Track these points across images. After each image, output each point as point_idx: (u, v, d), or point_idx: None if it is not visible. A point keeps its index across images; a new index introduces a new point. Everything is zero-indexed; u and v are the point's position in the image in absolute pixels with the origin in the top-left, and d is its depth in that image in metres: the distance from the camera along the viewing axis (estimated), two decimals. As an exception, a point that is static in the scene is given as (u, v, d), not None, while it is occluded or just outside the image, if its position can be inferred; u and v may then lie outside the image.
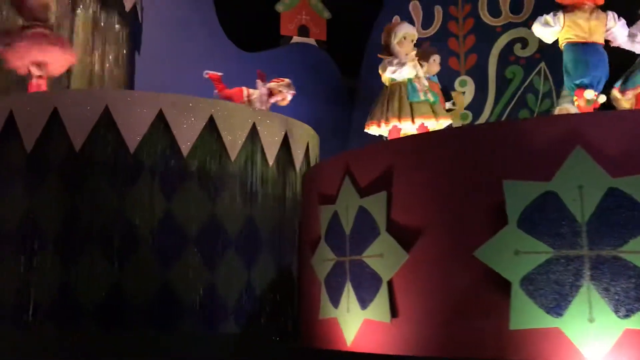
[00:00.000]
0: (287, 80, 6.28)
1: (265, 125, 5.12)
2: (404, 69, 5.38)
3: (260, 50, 7.80)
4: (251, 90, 6.14)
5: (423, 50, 6.28)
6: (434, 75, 6.27)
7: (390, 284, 2.82)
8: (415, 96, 5.39)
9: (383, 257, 2.87)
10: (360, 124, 7.88)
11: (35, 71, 5.16)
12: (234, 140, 4.87)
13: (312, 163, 5.66)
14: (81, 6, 6.30)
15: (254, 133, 5.00)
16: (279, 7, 8.27)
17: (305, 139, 5.58)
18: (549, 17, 4.58)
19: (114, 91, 4.70)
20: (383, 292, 2.85)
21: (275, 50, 8.05)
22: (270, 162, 5.13)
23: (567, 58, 4.55)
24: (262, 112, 5.21)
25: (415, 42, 5.58)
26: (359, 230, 3.03)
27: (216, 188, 4.76)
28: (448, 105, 6.77)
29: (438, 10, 7.86)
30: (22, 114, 4.59)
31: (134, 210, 4.47)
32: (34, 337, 4.38)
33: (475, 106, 7.43)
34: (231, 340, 4.59)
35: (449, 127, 5.51)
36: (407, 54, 5.42)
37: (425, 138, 3.07)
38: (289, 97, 6.10)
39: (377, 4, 8.15)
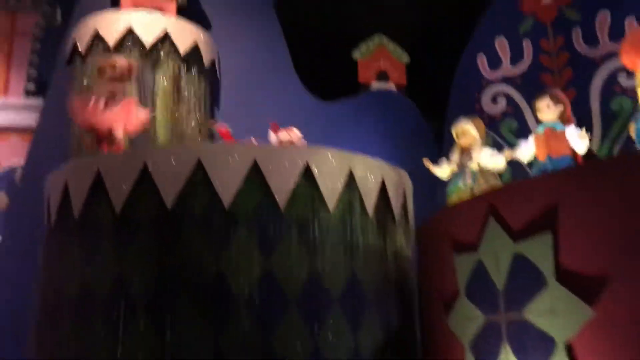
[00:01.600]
0: (297, 134, 5.92)
1: (362, 172, 4.79)
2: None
3: (338, 98, 7.60)
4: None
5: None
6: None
7: (569, 348, 2.33)
8: None
9: (555, 313, 2.39)
10: (450, 167, 7.50)
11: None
12: (331, 189, 4.54)
13: (409, 212, 5.27)
14: (163, 63, 6.29)
15: (351, 180, 4.68)
16: (357, 55, 8.11)
17: (401, 186, 5.21)
18: None
19: (205, 144, 4.49)
20: (559, 357, 2.35)
21: (354, 98, 7.83)
22: (370, 211, 4.77)
23: None
24: (360, 158, 4.88)
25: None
26: (516, 281, 2.57)
27: (316, 242, 4.41)
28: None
29: (527, 45, 7.49)
30: (111, 172, 4.44)
31: (230, 270, 4.17)
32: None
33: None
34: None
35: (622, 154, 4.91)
36: None
37: (596, 168, 2.61)
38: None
39: (457, 44, 7.87)
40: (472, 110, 7.59)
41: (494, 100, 7.54)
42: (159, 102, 6.17)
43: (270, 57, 7.53)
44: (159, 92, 6.24)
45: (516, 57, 7.53)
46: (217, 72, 7.05)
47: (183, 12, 6.84)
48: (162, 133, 6.09)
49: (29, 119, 8.41)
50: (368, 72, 8.02)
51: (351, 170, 4.69)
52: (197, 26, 6.73)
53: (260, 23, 7.65)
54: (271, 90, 7.31)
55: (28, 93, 8.53)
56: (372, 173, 4.89)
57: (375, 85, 7.99)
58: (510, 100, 7.44)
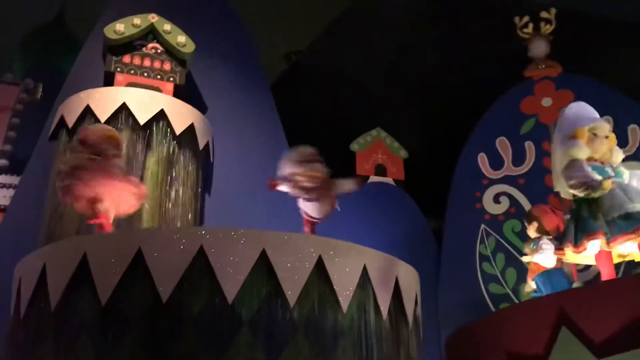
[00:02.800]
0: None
1: (377, 268, 4.43)
2: None
3: (336, 192, 7.34)
4: None
5: None
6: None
7: None
8: None
9: None
10: (450, 267, 7.23)
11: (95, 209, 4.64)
12: (344, 286, 4.15)
13: (419, 316, 4.88)
14: (155, 144, 5.99)
15: (365, 277, 4.31)
16: (354, 147, 8.00)
17: (413, 285, 4.86)
18: None
19: (210, 229, 4.07)
20: None
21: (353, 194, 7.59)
22: (384, 313, 4.38)
23: None
24: (373, 252, 4.54)
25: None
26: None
27: (326, 347, 3.98)
28: None
29: (530, 146, 7.49)
30: (99, 257, 3.98)
31: (232, 378, 3.67)
32: None
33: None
34: None
35: None
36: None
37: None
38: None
39: (457, 142, 7.84)
40: (473, 209, 7.45)
41: (497, 200, 7.42)
42: (148, 183, 5.79)
43: (266, 145, 7.29)
44: (149, 172, 5.89)
45: (518, 158, 7.51)
46: (211, 155, 6.77)
47: (179, 92, 6.67)
48: (148, 215, 5.68)
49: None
50: (366, 165, 7.89)
51: (365, 266, 4.35)
52: (193, 108, 6.53)
53: (259, 111, 7.47)
54: (267, 178, 7.02)
55: (0, 170, 8.08)
56: (387, 270, 4.56)
57: (373, 178, 7.83)
58: (513, 200, 7.33)
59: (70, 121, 6.08)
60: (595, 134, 4.55)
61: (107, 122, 5.97)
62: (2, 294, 5.69)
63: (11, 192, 7.88)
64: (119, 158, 4.80)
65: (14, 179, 8.00)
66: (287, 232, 4.21)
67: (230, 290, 3.80)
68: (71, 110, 6.15)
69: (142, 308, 3.78)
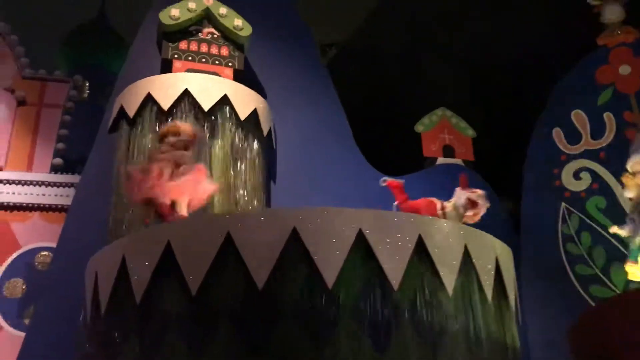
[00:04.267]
0: (481, 191, 5.34)
1: (478, 249, 4.11)
2: None
3: (403, 174, 7.03)
4: (445, 203, 5.19)
5: None
6: None
7: None
8: None
9: None
10: (530, 250, 6.83)
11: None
12: (448, 270, 3.84)
13: (517, 298, 4.54)
14: (220, 129, 5.77)
15: (467, 259, 3.99)
16: (419, 127, 7.65)
17: (511, 266, 4.52)
18: None
19: (302, 209, 3.80)
20: None
21: (420, 172, 7.28)
22: (489, 296, 4.06)
23: None
24: (473, 231, 4.21)
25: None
26: None
27: (434, 334, 3.68)
28: None
29: (609, 118, 7.05)
30: (184, 244, 3.75)
31: (338, 369, 3.39)
32: None
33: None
34: None
35: None
36: None
37: None
38: (483, 212, 5.12)
39: (527, 120, 7.44)
40: (551, 187, 7.04)
41: (577, 176, 7.00)
42: (214, 170, 5.58)
43: (329, 129, 7.04)
44: (215, 159, 5.66)
45: (598, 131, 7.07)
46: (274, 141, 6.53)
47: (239, 77, 6.44)
48: (217, 203, 5.45)
49: (54, 197, 7.78)
50: (433, 146, 7.53)
51: (466, 247, 4.03)
52: (256, 93, 6.29)
53: (318, 94, 7.22)
54: (332, 163, 6.76)
55: (54, 169, 7.96)
56: (487, 250, 4.24)
57: (442, 159, 7.47)
58: (595, 176, 6.90)
59: (132, 110, 5.90)
60: None
61: (170, 109, 5.80)
62: (71, 293, 5.62)
63: (68, 190, 7.78)
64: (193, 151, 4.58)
65: (69, 178, 7.87)
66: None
67: (329, 275, 3.53)
68: (131, 100, 5.98)
69: (235, 297, 3.54)
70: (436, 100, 7.89)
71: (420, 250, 3.78)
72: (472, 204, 5.03)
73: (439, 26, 9.38)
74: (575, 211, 6.77)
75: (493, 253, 4.23)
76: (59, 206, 7.74)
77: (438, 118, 7.71)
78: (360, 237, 3.66)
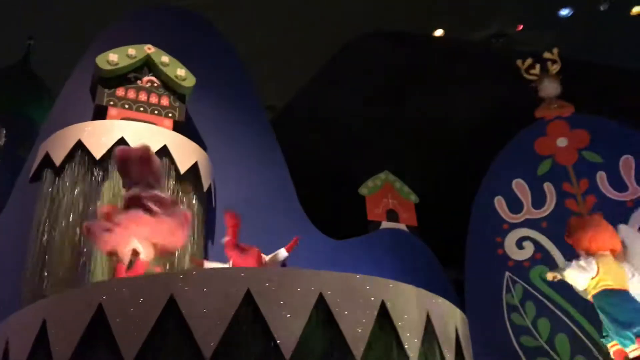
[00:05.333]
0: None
1: (438, 315, 3.89)
2: None
3: (348, 237, 6.80)
4: (267, 257, 5.26)
5: None
6: None
7: None
8: None
9: None
10: (475, 320, 6.67)
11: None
12: (411, 338, 3.58)
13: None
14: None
15: (428, 326, 3.75)
16: (363, 190, 7.52)
17: (467, 335, 4.32)
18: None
19: (255, 271, 3.48)
20: None
21: (364, 236, 7.06)
22: (450, 363, 3.81)
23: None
24: (433, 297, 3.98)
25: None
26: None
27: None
28: None
29: (549, 188, 7.17)
30: (119, 308, 3.28)
31: None
32: None
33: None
34: None
35: None
36: None
37: None
38: None
39: (469, 186, 7.46)
40: (495, 255, 7.00)
41: (520, 245, 7.01)
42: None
43: (273, 189, 6.73)
44: (151, 216, 5.21)
45: (539, 200, 7.17)
46: (214, 198, 6.15)
47: (178, 130, 6.08)
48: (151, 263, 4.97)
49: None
50: (377, 210, 7.40)
51: (428, 313, 3.79)
52: (197, 145, 5.95)
53: (263, 152, 6.94)
54: (275, 224, 6.40)
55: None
56: (447, 315, 4.02)
57: (386, 224, 7.33)
58: (538, 245, 6.92)
59: (58, 159, 5.40)
60: None
61: (102, 159, 5.35)
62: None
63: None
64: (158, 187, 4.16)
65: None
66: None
67: (286, 345, 3.18)
68: (58, 147, 5.49)
69: (177, 367, 3.11)
70: (380, 164, 7.84)
71: (384, 317, 3.53)
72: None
73: (384, 95, 9.52)
74: (519, 280, 6.74)
75: (452, 321, 4.03)
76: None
77: (382, 182, 7.63)
78: (321, 302, 3.37)
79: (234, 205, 6.43)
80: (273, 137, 7.11)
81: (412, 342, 3.52)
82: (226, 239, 5.01)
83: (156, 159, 4.14)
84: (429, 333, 3.70)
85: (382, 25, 11.67)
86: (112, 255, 3.85)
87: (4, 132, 9.07)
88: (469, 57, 9.99)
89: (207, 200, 6.01)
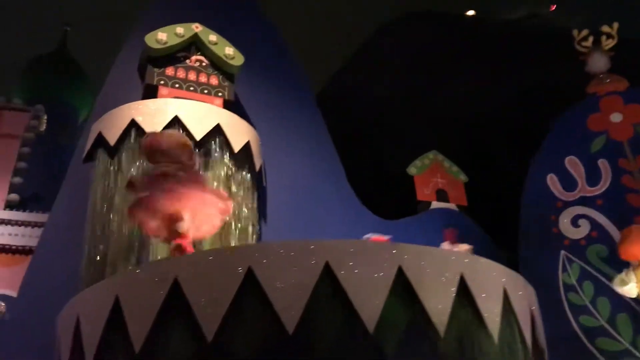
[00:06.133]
0: (467, 246, 5.14)
1: (516, 288, 3.78)
2: None
3: (398, 217, 6.71)
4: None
5: None
6: None
7: None
8: None
9: None
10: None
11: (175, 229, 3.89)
12: (491, 312, 3.49)
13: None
14: (212, 160, 5.31)
15: (506, 301, 3.65)
16: (412, 170, 7.41)
17: (539, 313, 4.22)
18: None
19: (335, 242, 3.38)
20: None
21: (414, 217, 6.97)
22: (529, 344, 3.70)
23: None
24: (509, 272, 3.88)
25: None
26: None
27: (483, 387, 3.28)
28: None
29: (604, 165, 6.99)
30: (196, 283, 3.23)
31: None
32: None
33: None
34: None
35: None
36: None
37: None
38: None
39: (521, 165, 7.30)
40: (550, 234, 6.86)
41: (575, 223, 6.85)
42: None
43: (322, 169, 6.67)
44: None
45: (593, 178, 6.99)
46: (264, 178, 6.09)
47: (228, 109, 6.02)
48: (208, 239, 4.93)
49: (7, 237, 7.02)
50: (426, 190, 7.28)
51: (505, 289, 3.69)
52: (249, 125, 5.89)
53: (311, 134, 6.90)
54: (325, 205, 6.35)
55: (9, 205, 7.21)
56: (525, 289, 3.92)
57: (435, 204, 7.20)
58: (594, 223, 6.76)
59: (112, 138, 5.37)
60: None
61: (157, 137, 5.32)
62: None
63: (24, 230, 7.05)
64: (194, 169, 4.10)
65: (27, 216, 7.16)
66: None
67: (369, 317, 3.10)
68: (112, 126, 5.45)
69: (260, 342, 3.06)
70: (428, 143, 7.71)
71: (463, 291, 3.44)
72: None
73: (431, 71, 9.37)
74: (575, 259, 6.59)
75: (527, 298, 3.93)
76: (13, 247, 7.00)
77: (430, 161, 7.51)
78: (400, 276, 3.29)
79: (284, 186, 6.41)
80: (320, 118, 7.03)
81: (492, 317, 3.44)
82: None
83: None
84: (507, 309, 3.60)
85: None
86: (172, 220, 3.76)
87: (46, 118, 9.13)
88: (507, 36, 9.78)
89: (259, 178, 5.95)
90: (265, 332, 3.07)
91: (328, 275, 3.18)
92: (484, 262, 3.81)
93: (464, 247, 5.06)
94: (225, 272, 3.22)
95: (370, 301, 3.15)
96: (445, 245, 5.07)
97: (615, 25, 7.66)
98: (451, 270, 3.43)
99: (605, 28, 7.67)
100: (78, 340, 3.53)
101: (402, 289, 3.25)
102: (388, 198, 7.09)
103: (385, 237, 5.17)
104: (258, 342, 3.06)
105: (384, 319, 3.13)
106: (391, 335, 3.12)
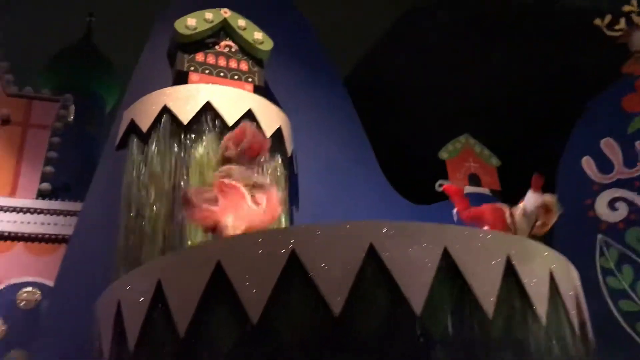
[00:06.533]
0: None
1: (562, 270, 3.72)
2: None
3: (430, 202, 6.64)
4: (513, 209, 4.58)
5: None
6: None
7: None
8: None
9: None
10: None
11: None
12: (538, 292, 3.43)
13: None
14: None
15: (552, 281, 3.58)
16: (443, 155, 7.34)
17: (582, 293, 4.14)
18: None
19: (377, 224, 3.33)
20: None
21: (448, 201, 6.88)
22: (577, 329, 3.63)
23: None
24: (556, 255, 3.81)
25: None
26: None
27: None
28: None
29: (642, 146, 6.85)
30: (239, 264, 3.21)
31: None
32: None
33: None
34: None
35: None
36: None
37: None
38: (553, 222, 4.54)
39: (554, 147, 7.18)
40: (585, 218, 6.74)
41: (612, 206, 6.72)
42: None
43: (353, 154, 6.61)
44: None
45: (630, 160, 6.84)
46: (294, 163, 6.06)
47: (259, 95, 5.99)
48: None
49: (40, 225, 7.08)
50: (459, 174, 7.20)
51: (551, 271, 3.62)
52: (280, 110, 5.85)
53: (341, 119, 6.81)
54: (357, 190, 6.30)
55: (41, 194, 7.28)
56: (569, 270, 3.86)
57: (469, 189, 7.12)
58: (632, 206, 6.62)
59: (145, 125, 5.36)
60: None
61: (190, 123, 5.30)
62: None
63: (56, 219, 7.11)
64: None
65: (58, 204, 7.21)
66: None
67: (416, 299, 3.05)
68: (144, 113, 5.44)
69: (306, 324, 3.03)
70: (459, 127, 7.61)
71: (510, 273, 3.38)
72: (545, 210, 4.37)
73: (461, 54, 9.24)
74: (613, 243, 6.46)
75: (573, 282, 3.86)
76: (46, 236, 7.06)
77: (462, 145, 7.42)
78: (446, 256, 3.23)
79: (315, 172, 6.37)
80: (350, 103, 6.97)
81: (539, 299, 3.38)
82: (456, 209, 4.79)
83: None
84: (554, 292, 3.54)
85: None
86: (208, 231, 3.75)
87: (73, 108, 9.18)
88: (542, 17, 9.57)
89: (290, 164, 5.92)
90: (311, 315, 3.03)
91: (373, 256, 3.14)
92: (531, 243, 3.76)
93: (548, 197, 4.59)
94: (268, 254, 3.19)
95: (416, 283, 3.10)
96: (531, 194, 4.60)
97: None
98: (497, 252, 3.37)
99: (628, 7, 7.45)
100: (119, 325, 3.54)
101: (448, 271, 3.19)
102: (420, 183, 7.00)
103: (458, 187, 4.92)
104: (303, 325, 3.02)
105: (431, 301, 3.08)
106: (438, 317, 3.07)
